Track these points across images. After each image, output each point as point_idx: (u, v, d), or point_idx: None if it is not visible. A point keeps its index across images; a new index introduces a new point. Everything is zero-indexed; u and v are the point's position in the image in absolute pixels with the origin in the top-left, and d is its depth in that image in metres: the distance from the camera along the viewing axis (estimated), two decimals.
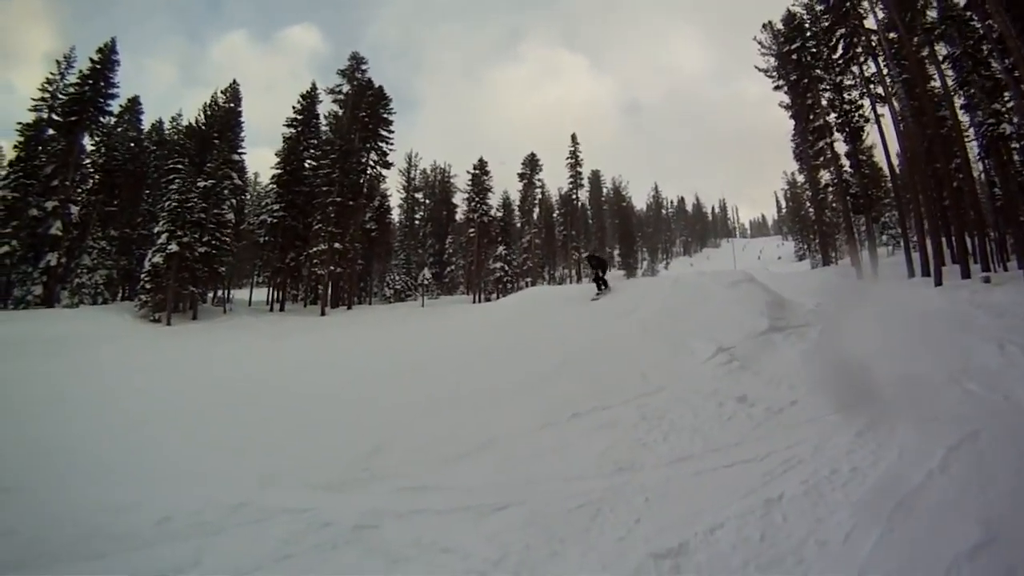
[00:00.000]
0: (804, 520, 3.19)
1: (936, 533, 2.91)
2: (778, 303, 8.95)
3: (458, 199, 44.68)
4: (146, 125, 34.22)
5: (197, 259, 25.71)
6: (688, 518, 3.34)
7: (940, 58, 21.49)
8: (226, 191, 28.76)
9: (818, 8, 26.84)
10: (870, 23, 23.41)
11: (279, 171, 32.47)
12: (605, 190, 65.11)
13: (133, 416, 7.14)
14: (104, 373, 11.66)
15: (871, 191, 27.18)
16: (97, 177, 29.52)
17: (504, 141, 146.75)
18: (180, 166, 27.39)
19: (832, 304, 7.44)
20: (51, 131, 27.35)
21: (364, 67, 35.41)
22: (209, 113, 32.77)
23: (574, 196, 48.64)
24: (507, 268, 37.23)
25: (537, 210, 47.38)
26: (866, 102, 25.05)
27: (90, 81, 28.62)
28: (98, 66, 29.04)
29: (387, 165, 36.06)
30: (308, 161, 33.38)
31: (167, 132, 35.04)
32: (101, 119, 29.50)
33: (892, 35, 22.08)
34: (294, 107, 34.12)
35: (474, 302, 34.07)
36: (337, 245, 30.58)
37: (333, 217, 30.73)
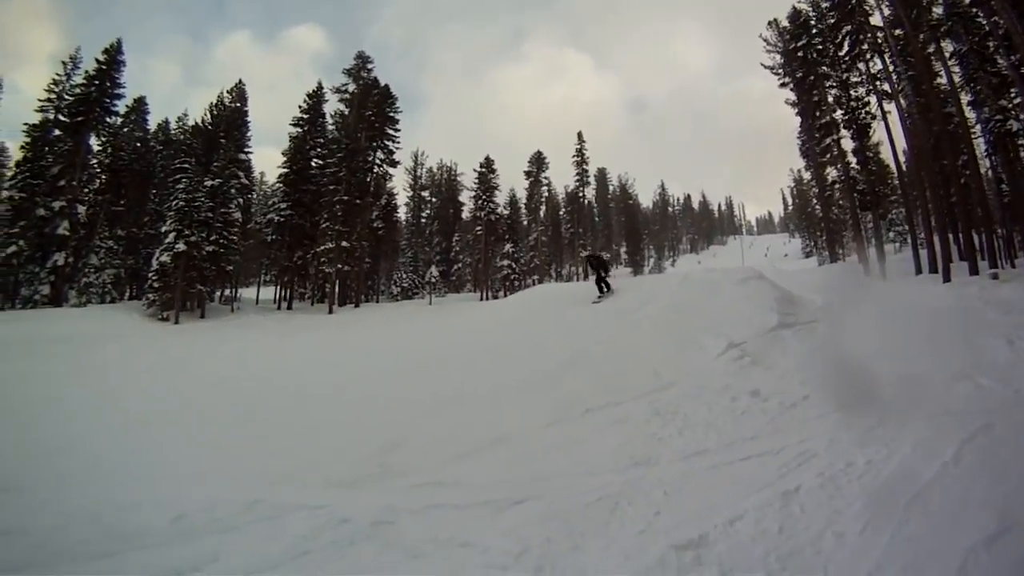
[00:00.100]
0: (821, 512, 3.21)
1: (952, 524, 2.93)
2: (787, 299, 8.92)
3: (464, 197, 44.81)
4: (152, 125, 34.52)
5: (205, 258, 25.88)
6: (707, 511, 3.35)
7: (946, 55, 21.38)
8: (233, 190, 28.92)
9: (824, 5, 26.84)
10: (876, 20, 23.42)
11: (286, 170, 32.63)
12: (611, 188, 65.09)
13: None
14: (108, 372, 11.64)
15: (878, 188, 27.04)
16: (104, 177, 29.70)
17: (510, 139, 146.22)
18: (187, 165, 27.64)
19: (841, 300, 7.43)
20: (58, 132, 27.57)
21: (370, 66, 35.66)
22: (215, 113, 32.96)
23: (580, 194, 48.72)
24: (514, 266, 37.30)
25: (544, 208, 47.51)
26: (872, 99, 25.05)
27: (96, 82, 28.80)
28: (104, 67, 29.22)
29: (393, 164, 36.24)
30: (315, 160, 33.54)
31: (173, 132, 35.28)
32: (107, 119, 29.71)
33: (898, 32, 22.03)
34: (300, 106, 34.31)
35: (481, 300, 34.18)
36: (344, 243, 30.71)
37: (340, 216, 30.84)
